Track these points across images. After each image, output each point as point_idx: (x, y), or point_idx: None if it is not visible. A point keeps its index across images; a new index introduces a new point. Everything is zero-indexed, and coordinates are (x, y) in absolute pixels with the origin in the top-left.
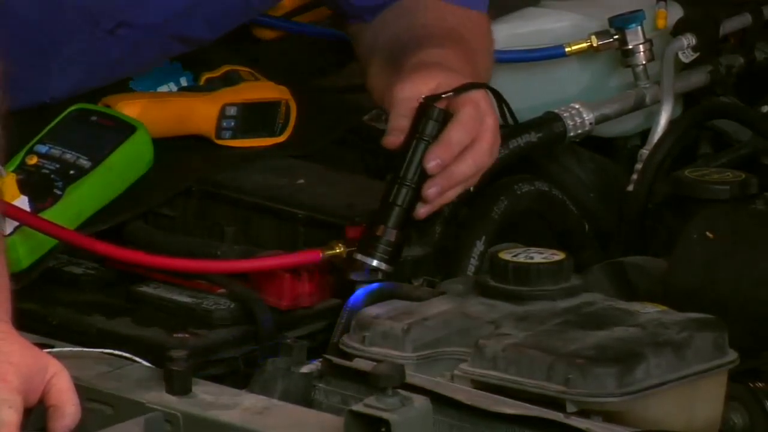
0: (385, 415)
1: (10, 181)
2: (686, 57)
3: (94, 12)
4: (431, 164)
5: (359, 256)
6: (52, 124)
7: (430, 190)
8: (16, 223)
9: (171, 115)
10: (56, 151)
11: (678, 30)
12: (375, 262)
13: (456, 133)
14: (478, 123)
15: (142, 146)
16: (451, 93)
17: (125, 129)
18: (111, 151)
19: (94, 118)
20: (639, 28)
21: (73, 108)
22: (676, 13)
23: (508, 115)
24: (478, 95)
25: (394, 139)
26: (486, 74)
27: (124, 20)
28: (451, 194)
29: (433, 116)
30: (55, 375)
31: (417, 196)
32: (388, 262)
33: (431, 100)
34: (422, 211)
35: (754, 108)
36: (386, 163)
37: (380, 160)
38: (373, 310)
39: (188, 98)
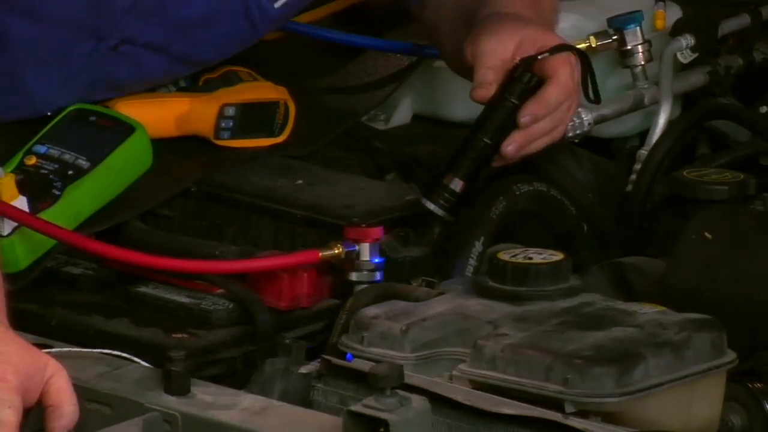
0: (383, 415)
1: (9, 182)
2: (685, 58)
3: (99, 27)
4: (525, 119)
5: (423, 200)
6: (51, 124)
7: (509, 147)
8: (15, 224)
9: (169, 116)
10: (55, 152)
11: (676, 31)
12: (434, 207)
13: (555, 93)
14: (572, 84)
15: (141, 146)
16: (546, 54)
17: (124, 129)
18: (110, 152)
19: (92, 118)
20: (638, 28)
21: (71, 108)
22: (675, 13)
23: (590, 85)
24: (569, 55)
25: (484, 92)
26: (551, 15)
27: (127, 37)
28: (531, 149)
29: (525, 81)
30: (54, 375)
31: (492, 153)
32: (449, 210)
33: (526, 62)
34: (497, 163)
35: (752, 109)
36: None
37: (379, 160)
38: (372, 311)
39: (187, 99)
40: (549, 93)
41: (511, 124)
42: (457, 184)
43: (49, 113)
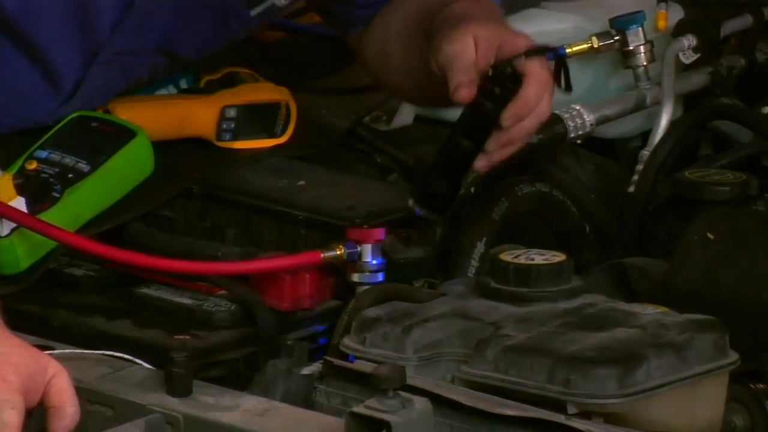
0: (385, 416)
1: (6, 182)
2: (687, 58)
3: (92, 47)
4: (508, 121)
5: (411, 203)
6: (53, 130)
7: (492, 146)
8: (14, 224)
9: (171, 118)
10: (56, 156)
11: (679, 31)
12: (424, 212)
13: (534, 90)
14: (546, 75)
15: (142, 151)
16: (522, 56)
17: (125, 134)
18: (110, 156)
19: (94, 124)
20: (640, 29)
21: (73, 115)
22: (677, 14)
23: (563, 79)
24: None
25: (466, 91)
26: (499, 15)
27: (120, 50)
28: (512, 148)
29: (503, 83)
30: (55, 375)
31: (475, 154)
32: (438, 211)
33: (503, 64)
34: (481, 163)
35: (754, 109)
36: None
37: (381, 161)
38: (373, 312)
39: (188, 100)
40: (528, 91)
41: (492, 125)
42: (442, 187)
43: (50, 123)
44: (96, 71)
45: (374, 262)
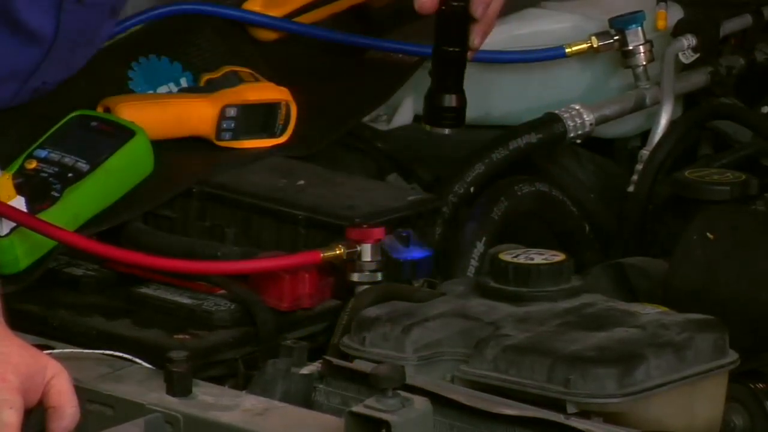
0: (385, 416)
1: (6, 181)
2: (686, 58)
3: None
4: (479, 11)
5: (429, 128)
6: (53, 129)
7: (477, 41)
8: (14, 224)
9: (171, 117)
10: (55, 156)
11: (678, 31)
12: (447, 131)
13: None
14: None
15: (141, 150)
16: None
17: (124, 134)
18: (109, 155)
19: (94, 123)
20: (639, 29)
21: (73, 114)
22: (677, 14)
23: None
24: None
25: (430, 1)
26: None
27: None
28: (490, 32)
29: None
30: (55, 376)
31: (464, 56)
32: (454, 124)
33: None
34: (471, 54)
35: (754, 109)
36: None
37: (380, 161)
38: (373, 312)
39: (188, 99)
40: None
41: (466, 20)
42: (451, 100)
43: (43, 83)
44: (69, 11)
45: (374, 261)
